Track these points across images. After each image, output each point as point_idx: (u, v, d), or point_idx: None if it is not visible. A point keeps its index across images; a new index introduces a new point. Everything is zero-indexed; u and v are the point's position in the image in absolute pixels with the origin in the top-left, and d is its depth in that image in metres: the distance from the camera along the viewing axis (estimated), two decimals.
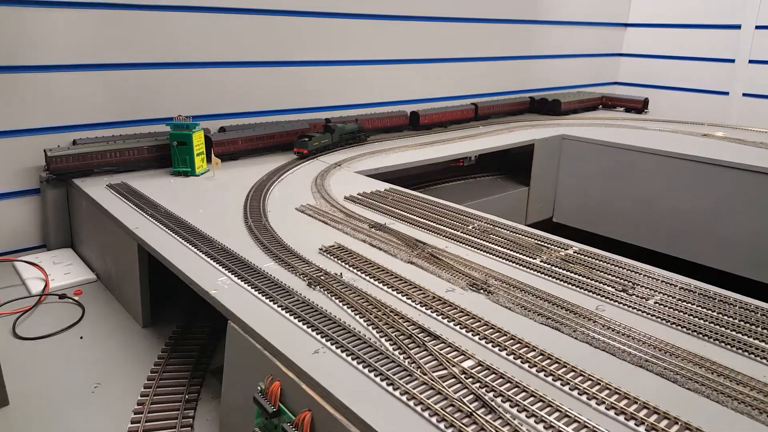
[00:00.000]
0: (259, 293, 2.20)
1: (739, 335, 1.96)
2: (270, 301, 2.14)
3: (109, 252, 3.28)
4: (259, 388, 1.86)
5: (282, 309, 2.08)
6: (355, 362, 1.77)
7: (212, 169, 3.92)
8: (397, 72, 6.04)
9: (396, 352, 1.81)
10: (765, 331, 1.99)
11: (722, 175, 4.83)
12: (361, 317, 2.03)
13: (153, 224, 2.94)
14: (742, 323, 2.04)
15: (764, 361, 1.82)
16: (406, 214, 3.22)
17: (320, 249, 2.63)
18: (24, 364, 2.58)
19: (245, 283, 2.27)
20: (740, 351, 1.87)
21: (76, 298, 3.19)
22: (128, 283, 3.01)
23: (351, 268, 2.44)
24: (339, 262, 2.51)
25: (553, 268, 2.51)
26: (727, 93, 8.12)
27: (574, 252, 2.72)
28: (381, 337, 1.91)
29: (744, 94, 7.98)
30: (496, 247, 2.75)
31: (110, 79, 4.04)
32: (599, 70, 8.72)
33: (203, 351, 2.70)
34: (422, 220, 3.13)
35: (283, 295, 2.18)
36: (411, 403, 1.58)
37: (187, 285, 2.36)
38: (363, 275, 2.38)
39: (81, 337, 2.82)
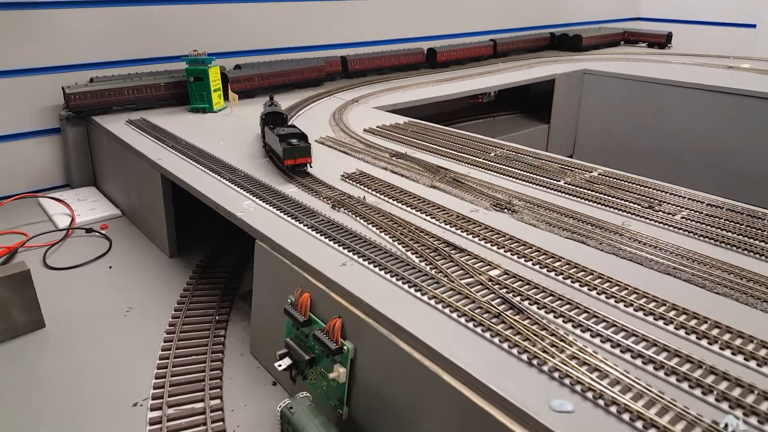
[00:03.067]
0: (284, 214, 2.21)
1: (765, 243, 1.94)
2: (295, 220, 2.16)
3: (133, 186, 3.32)
4: (289, 300, 1.90)
5: (307, 227, 2.10)
6: (382, 272, 1.79)
7: (230, 106, 3.90)
8: (413, 7, 5.86)
9: (422, 263, 1.83)
10: None
11: (749, 106, 4.69)
12: (386, 234, 2.05)
13: (175, 155, 2.95)
14: (763, 232, 2.02)
15: None
16: (426, 143, 3.18)
17: (342, 175, 2.62)
18: (56, 291, 2.66)
19: (270, 206, 2.29)
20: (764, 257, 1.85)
21: (103, 232, 3.25)
22: (153, 215, 3.05)
23: (374, 192, 2.44)
24: (362, 187, 2.51)
25: (578, 188, 2.49)
26: (754, 25, 7.78)
27: (599, 174, 2.68)
28: (407, 250, 1.93)
29: None
30: (519, 171, 2.72)
31: (124, 15, 3.97)
32: (621, 5, 8.38)
33: (231, 277, 2.76)
34: (443, 149, 3.10)
35: (307, 215, 2.19)
36: (439, 306, 1.61)
37: (211, 218, 2.40)
38: (386, 198, 2.38)
39: (110, 267, 2.89)
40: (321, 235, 2.03)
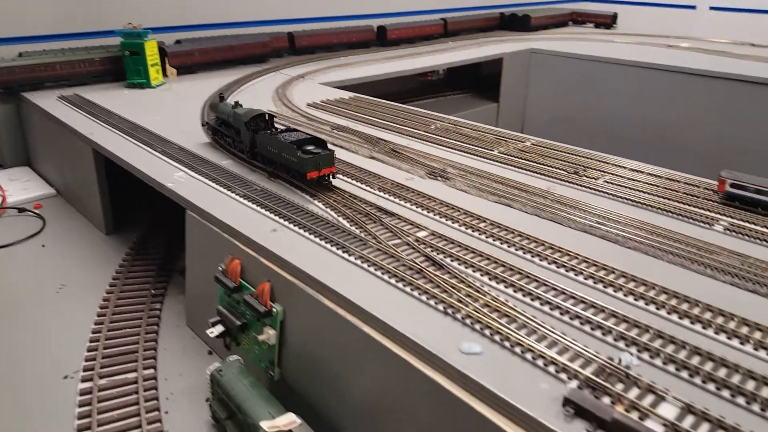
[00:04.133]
0: (216, 184, 2.21)
1: (682, 204, 2.05)
2: (227, 190, 2.15)
3: (67, 164, 3.22)
4: (220, 268, 1.91)
5: (239, 196, 2.10)
6: (312, 236, 1.81)
7: (168, 81, 3.81)
8: None
9: (353, 227, 1.86)
10: (705, 200, 2.09)
11: (688, 83, 4.88)
12: (319, 201, 2.07)
13: (107, 129, 2.88)
14: (685, 195, 2.14)
15: (701, 223, 1.92)
16: (369, 117, 3.21)
17: None
18: None
19: (202, 176, 2.28)
20: (680, 216, 1.96)
21: (37, 211, 3.15)
22: (88, 193, 2.98)
23: None
24: None
25: (510, 157, 2.56)
26: (693, 7, 8.08)
27: (531, 144, 2.76)
28: (338, 216, 1.96)
29: (711, 8, 7.96)
30: (456, 142, 2.78)
31: None
32: None
33: (169, 253, 2.73)
34: (385, 122, 3.13)
35: (240, 185, 2.19)
36: (365, 265, 1.65)
37: (150, 195, 2.36)
38: None
39: (43, 246, 2.82)
40: (253, 203, 2.04)
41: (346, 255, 1.70)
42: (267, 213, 1.97)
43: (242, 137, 2.39)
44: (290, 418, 1.50)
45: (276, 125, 2.39)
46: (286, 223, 1.90)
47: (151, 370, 1.96)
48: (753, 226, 1.89)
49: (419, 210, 2.02)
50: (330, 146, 2.19)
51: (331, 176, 2.13)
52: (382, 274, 1.60)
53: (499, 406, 1.19)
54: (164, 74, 3.87)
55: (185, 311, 2.27)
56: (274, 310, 1.71)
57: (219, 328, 1.87)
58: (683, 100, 4.94)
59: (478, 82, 6.16)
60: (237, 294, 1.83)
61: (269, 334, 1.71)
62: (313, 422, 1.55)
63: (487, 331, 1.36)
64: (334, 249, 1.73)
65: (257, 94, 3.66)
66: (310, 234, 1.82)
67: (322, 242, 1.78)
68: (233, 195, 2.11)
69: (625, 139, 5.40)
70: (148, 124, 2.95)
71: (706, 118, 4.78)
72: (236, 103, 2.50)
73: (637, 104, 5.27)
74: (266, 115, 2.38)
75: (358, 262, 1.66)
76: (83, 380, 1.90)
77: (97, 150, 2.75)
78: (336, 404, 1.62)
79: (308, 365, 1.69)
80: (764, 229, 1.86)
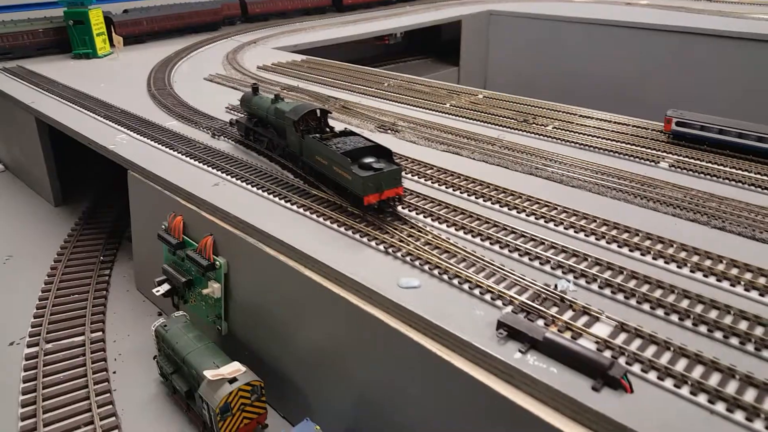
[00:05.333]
0: (159, 144, 2.14)
1: (629, 146, 2.06)
2: (170, 149, 2.09)
3: (13, 137, 3.10)
4: (163, 226, 1.86)
5: (182, 154, 2.04)
6: (254, 188, 1.77)
7: (116, 51, 3.68)
8: None
9: (296, 179, 1.83)
10: (653, 141, 2.10)
11: (647, 39, 4.89)
12: (263, 156, 2.02)
13: (50, 98, 2.77)
14: (633, 137, 2.15)
15: (647, 162, 1.93)
16: (321, 77, 3.14)
17: (227, 107, 2.56)
18: None
19: (145, 137, 2.21)
20: (626, 156, 1.97)
21: None
22: (34, 164, 2.87)
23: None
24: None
25: (461, 109, 2.54)
26: None
27: (484, 96, 2.75)
28: (282, 169, 1.92)
29: None
30: (408, 97, 2.74)
31: None
32: None
33: (118, 221, 2.66)
34: (338, 81, 3.07)
35: (184, 143, 2.13)
36: (307, 213, 1.62)
37: (101, 165, 2.28)
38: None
39: None
40: (195, 160, 1.99)
41: (288, 204, 1.67)
42: (209, 169, 1.92)
43: (288, 141, 1.83)
44: (235, 367, 1.48)
45: (330, 124, 1.83)
46: (229, 177, 1.85)
47: (99, 333, 1.92)
48: (697, 162, 1.91)
49: None
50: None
51: (397, 200, 1.57)
52: (324, 220, 1.58)
53: (435, 334, 1.19)
54: (111, 44, 3.72)
55: (134, 275, 2.22)
56: (217, 263, 1.67)
57: (165, 287, 1.84)
58: (642, 56, 4.96)
59: (439, 47, 6.10)
60: (181, 250, 1.79)
61: (213, 288, 1.68)
62: (262, 372, 1.54)
63: (426, 267, 1.35)
64: (276, 199, 1.70)
65: (207, 59, 3.56)
66: (252, 186, 1.78)
67: (264, 193, 1.74)
68: (175, 154, 2.05)
69: (585, 96, 5.42)
70: (93, 92, 2.85)
71: (664, 71, 4.82)
72: (277, 96, 1.99)
73: (595, 61, 5.28)
74: (317, 112, 1.81)
75: (301, 210, 1.64)
76: (29, 345, 1.86)
77: (40, 119, 2.65)
78: (283, 352, 1.60)
79: (254, 316, 1.67)
80: (707, 164, 1.88)
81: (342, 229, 1.53)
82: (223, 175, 1.87)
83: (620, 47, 5.10)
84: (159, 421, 1.61)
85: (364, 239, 1.48)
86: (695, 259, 1.35)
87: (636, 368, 1.03)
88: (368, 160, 1.54)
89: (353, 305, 1.33)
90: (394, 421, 1.33)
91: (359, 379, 1.40)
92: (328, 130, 1.78)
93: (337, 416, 1.48)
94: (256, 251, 1.57)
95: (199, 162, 1.97)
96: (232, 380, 1.45)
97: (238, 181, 1.82)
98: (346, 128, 1.77)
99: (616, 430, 0.94)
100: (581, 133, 2.19)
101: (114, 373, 1.78)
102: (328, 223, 1.56)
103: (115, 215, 2.71)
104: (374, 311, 1.29)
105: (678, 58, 4.74)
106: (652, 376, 1.02)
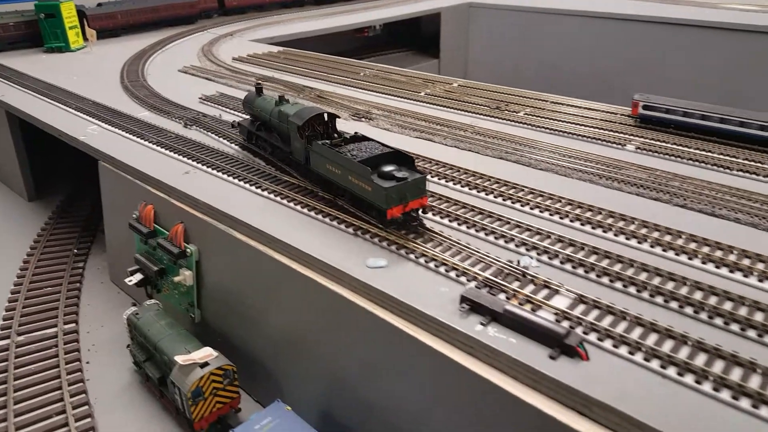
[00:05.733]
0: (130, 134, 2.13)
1: (597, 130, 2.09)
2: (141, 139, 2.08)
3: None
4: (134, 215, 1.86)
5: (153, 144, 2.03)
6: (224, 176, 1.78)
7: (89, 45, 3.64)
8: None
9: (267, 166, 1.83)
10: (620, 125, 2.13)
11: (625, 28, 4.93)
12: (236, 144, 2.03)
13: (20, 91, 2.74)
14: (602, 122, 2.18)
15: (614, 145, 1.96)
16: (297, 68, 3.14)
17: (200, 98, 2.55)
18: None
19: (117, 128, 2.20)
20: (594, 140, 2.00)
21: None
22: (6, 159, 2.84)
23: (232, 111, 2.39)
24: (219, 106, 2.45)
25: (436, 98, 2.56)
26: None
27: (458, 85, 2.77)
28: (254, 156, 1.92)
29: None
30: (384, 86, 2.76)
31: None
32: None
33: (92, 213, 2.64)
34: (314, 71, 3.07)
35: (155, 133, 2.12)
36: (278, 198, 1.63)
37: (75, 159, 2.26)
38: (246, 116, 2.33)
39: None
40: (166, 149, 1.98)
41: (258, 190, 1.68)
42: (180, 157, 1.92)
43: (293, 147, 1.71)
44: (206, 352, 1.49)
45: (339, 130, 1.70)
46: (199, 165, 1.86)
47: (73, 325, 1.92)
48: (662, 144, 1.95)
49: None
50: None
51: (421, 211, 1.45)
52: (295, 205, 1.59)
53: (402, 312, 1.20)
54: (85, 38, 3.68)
55: (108, 267, 2.21)
56: (188, 250, 1.67)
57: (138, 276, 1.83)
58: (620, 46, 5.00)
59: (419, 40, 6.11)
60: (152, 239, 1.79)
61: (185, 275, 1.68)
62: (235, 357, 1.55)
63: (393, 247, 1.37)
64: (246, 185, 1.71)
65: (182, 52, 3.54)
66: (222, 173, 1.79)
67: (235, 180, 1.75)
68: (146, 143, 2.05)
69: (565, 87, 5.46)
70: (65, 85, 2.82)
71: (642, 61, 4.88)
72: (281, 98, 1.85)
73: (577, 52, 5.32)
74: (324, 115, 1.69)
75: (271, 196, 1.64)
76: (0, 338, 1.84)
77: (10, 113, 2.61)
78: (256, 336, 1.61)
79: (227, 303, 1.68)
80: (672, 146, 1.92)
81: (312, 213, 1.54)
82: (194, 163, 1.87)
83: (599, 38, 5.15)
84: (132, 409, 1.62)
85: (334, 223, 1.49)
86: (655, 234, 1.39)
87: (592, 337, 1.06)
88: (388, 168, 1.41)
89: (323, 287, 1.34)
90: (365, 399, 1.35)
91: (330, 360, 1.42)
92: (336, 135, 1.66)
93: (310, 398, 1.50)
94: (227, 237, 1.57)
95: (170, 151, 1.97)
96: (204, 365, 1.46)
97: (209, 169, 1.82)
98: (356, 132, 1.63)
99: (571, 396, 0.96)
100: (552, 119, 2.22)
101: (87, 363, 1.77)
102: (298, 207, 1.57)
103: (90, 208, 2.69)
104: (343, 292, 1.31)
105: (656, 48, 4.80)
106: (607, 344, 1.04)
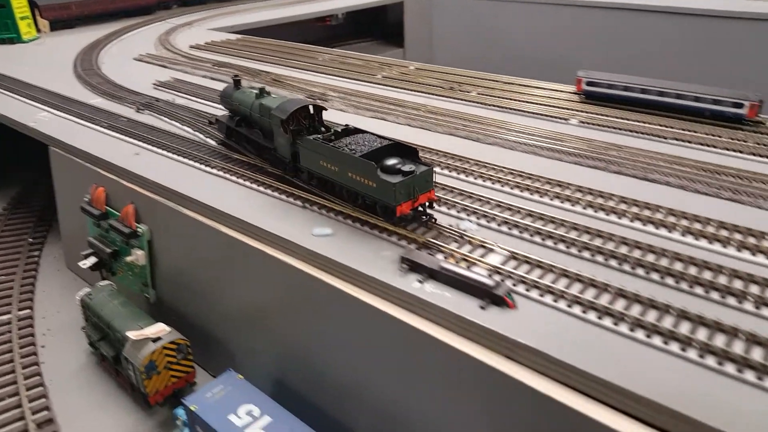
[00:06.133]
0: (81, 119, 2.12)
1: (543, 106, 2.16)
2: (92, 123, 2.08)
3: None
4: (85, 198, 1.86)
5: (105, 128, 2.03)
6: (174, 155, 1.79)
7: (42, 36, 3.57)
8: None
9: (218, 145, 1.85)
10: (566, 101, 2.21)
11: (584, 15, 5.04)
12: (188, 126, 2.03)
13: None
14: (549, 99, 2.25)
15: (558, 120, 2.03)
16: (255, 54, 3.15)
17: (154, 84, 2.54)
18: None
19: (67, 114, 2.18)
20: (540, 116, 2.07)
21: None
22: None
23: (185, 95, 2.39)
24: (173, 91, 2.45)
25: (392, 80, 2.60)
26: None
27: (415, 68, 2.81)
28: (206, 137, 1.94)
29: None
30: (341, 70, 2.78)
31: None
32: None
33: (49, 203, 2.61)
34: (271, 57, 3.08)
35: (106, 117, 2.12)
36: (227, 175, 1.65)
37: (31, 150, 2.22)
38: (198, 99, 2.34)
39: None
40: (116, 132, 1.98)
41: (207, 168, 1.70)
42: (130, 139, 1.93)
43: (276, 143, 1.60)
44: (159, 327, 1.51)
45: (326, 123, 1.60)
46: (149, 146, 1.87)
47: (28, 311, 1.91)
48: (604, 117, 2.03)
49: None
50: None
51: (428, 205, 1.37)
52: (244, 181, 1.61)
53: (346, 275, 1.25)
54: (38, 29, 3.62)
55: (63, 254, 2.20)
56: (139, 230, 1.68)
57: (92, 260, 1.83)
58: (581, 32, 5.11)
59: (384, 29, 6.14)
60: (104, 221, 1.79)
61: (137, 255, 1.69)
62: (192, 334, 1.57)
63: (340, 217, 1.41)
64: (195, 164, 1.73)
65: (138, 42, 3.50)
66: (172, 153, 1.80)
67: (185, 159, 1.76)
68: (97, 128, 2.04)
69: (528, 73, 5.55)
70: (15, 74, 2.77)
71: (602, 47, 4.99)
72: (262, 90, 1.72)
73: (539, 39, 5.41)
74: (309, 108, 1.57)
75: (221, 173, 1.67)
76: None
77: None
78: (210, 312, 1.64)
79: (180, 281, 1.69)
80: (613, 119, 2.00)
81: (261, 188, 1.57)
82: (144, 144, 1.88)
83: (561, 25, 5.25)
84: (88, 389, 1.62)
85: (283, 196, 1.52)
86: (589, 197, 1.45)
87: (521, 288, 1.12)
88: (392, 162, 1.32)
89: (273, 258, 1.37)
90: (316, 363, 1.39)
91: (282, 329, 1.45)
92: (323, 129, 1.56)
93: (263, 367, 1.53)
94: (178, 215, 1.59)
95: (121, 134, 1.97)
96: (156, 339, 1.48)
97: (159, 149, 1.83)
98: (348, 125, 1.53)
99: (500, 341, 1.02)
100: (502, 98, 2.29)
101: (43, 347, 1.77)
102: (247, 183, 1.60)
103: (46, 198, 2.66)
104: (291, 261, 1.34)
105: (615, 34, 4.91)
106: (534, 293, 1.10)
